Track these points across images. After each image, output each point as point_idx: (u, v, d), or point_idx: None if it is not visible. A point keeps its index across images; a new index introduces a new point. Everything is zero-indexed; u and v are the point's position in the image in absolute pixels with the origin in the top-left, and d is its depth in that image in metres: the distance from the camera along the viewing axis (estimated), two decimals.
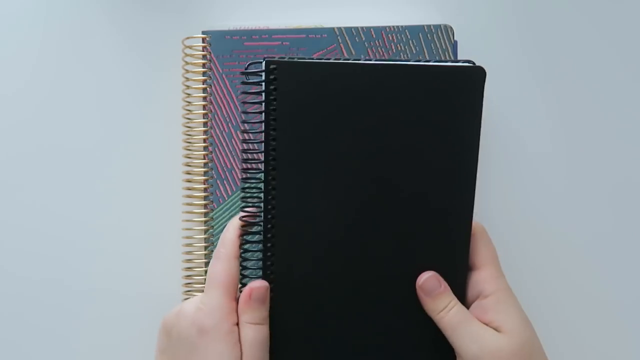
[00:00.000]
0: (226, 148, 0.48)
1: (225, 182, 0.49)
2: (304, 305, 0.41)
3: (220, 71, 0.48)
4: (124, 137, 0.52)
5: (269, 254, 0.41)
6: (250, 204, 0.41)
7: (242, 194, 0.42)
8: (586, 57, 0.52)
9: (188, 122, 0.49)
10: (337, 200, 0.41)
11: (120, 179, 0.53)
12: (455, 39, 0.49)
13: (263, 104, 0.40)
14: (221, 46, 0.48)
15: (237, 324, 0.39)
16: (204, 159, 0.49)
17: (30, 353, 0.53)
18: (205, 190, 0.49)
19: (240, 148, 0.42)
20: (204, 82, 0.49)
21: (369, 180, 0.41)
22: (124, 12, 0.52)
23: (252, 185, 0.41)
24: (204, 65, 0.49)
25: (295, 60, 0.40)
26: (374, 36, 0.48)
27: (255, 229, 0.41)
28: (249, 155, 0.41)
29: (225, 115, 0.48)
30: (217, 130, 0.48)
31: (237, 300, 0.40)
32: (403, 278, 0.41)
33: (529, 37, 0.52)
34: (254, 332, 0.39)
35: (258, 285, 0.40)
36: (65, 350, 0.52)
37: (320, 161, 0.40)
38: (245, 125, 0.43)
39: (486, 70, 0.40)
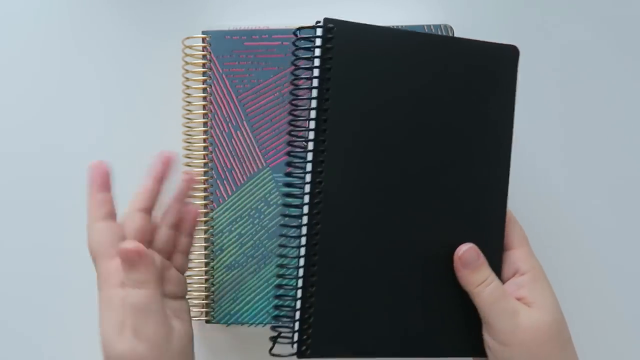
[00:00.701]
0: (226, 148, 0.48)
1: (225, 182, 0.48)
2: (348, 273, 0.40)
3: (220, 71, 0.48)
4: (124, 136, 0.52)
5: (314, 222, 0.39)
6: (293, 175, 0.40)
7: (287, 166, 0.40)
8: (586, 55, 0.52)
9: (188, 122, 0.49)
10: (382, 172, 0.40)
11: (121, 178, 0.52)
12: None
13: (317, 66, 0.39)
14: (221, 46, 0.48)
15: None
16: (204, 159, 0.49)
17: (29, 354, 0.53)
18: (205, 190, 0.49)
19: (288, 118, 0.40)
20: (204, 82, 0.49)
21: (413, 152, 0.41)
22: (123, 12, 0.52)
23: (298, 155, 0.40)
24: (204, 65, 0.49)
25: (353, 22, 0.40)
26: None
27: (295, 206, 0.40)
28: (296, 122, 0.40)
29: (225, 115, 0.48)
30: (217, 130, 0.48)
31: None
32: (442, 252, 0.41)
33: (529, 36, 0.52)
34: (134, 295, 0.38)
35: (130, 247, 0.38)
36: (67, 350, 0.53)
37: (370, 129, 0.40)
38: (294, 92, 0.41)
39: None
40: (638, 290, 0.52)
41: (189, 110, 0.49)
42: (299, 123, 0.40)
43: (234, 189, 0.49)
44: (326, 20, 0.39)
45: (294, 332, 0.39)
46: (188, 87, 0.49)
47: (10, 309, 0.53)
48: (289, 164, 0.40)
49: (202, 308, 0.49)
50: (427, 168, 0.41)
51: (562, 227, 0.52)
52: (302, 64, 0.40)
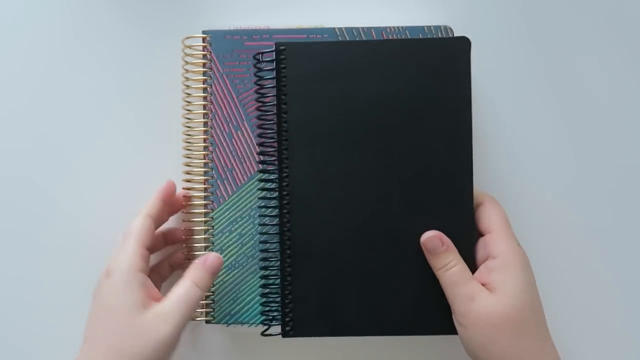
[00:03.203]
0: (226, 148, 0.48)
1: (225, 182, 0.48)
2: (322, 260, 0.45)
3: (221, 71, 0.48)
4: (123, 136, 0.52)
5: (285, 220, 0.46)
6: (267, 178, 0.47)
7: (259, 171, 0.48)
8: (586, 56, 0.52)
9: (188, 122, 0.49)
10: (346, 168, 0.45)
11: (120, 179, 0.52)
12: None
13: (275, 82, 0.46)
14: (221, 46, 0.48)
15: (144, 272, 0.43)
16: (204, 159, 0.49)
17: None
18: (205, 190, 0.49)
19: (257, 124, 0.48)
20: (204, 81, 0.49)
21: (374, 149, 0.45)
22: (123, 12, 0.52)
23: (268, 161, 0.47)
24: (204, 65, 0.49)
25: (301, 42, 0.47)
26: (375, 36, 0.48)
27: (272, 202, 0.47)
28: (264, 131, 0.47)
29: (226, 115, 0.48)
30: (217, 130, 0.48)
31: (147, 249, 0.44)
32: (413, 237, 0.45)
33: (528, 37, 0.52)
34: (189, 289, 0.43)
35: (215, 258, 0.45)
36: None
37: (329, 132, 0.45)
38: (261, 105, 0.48)
39: (471, 41, 0.45)
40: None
41: (189, 110, 0.49)
42: (267, 130, 0.47)
43: (235, 189, 0.48)
44: (277, 44, 0.46)
45: (275, 315, 0.47)
46: (188, 86, 0.49)
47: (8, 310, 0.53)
48: (262, 163, 0.47)
49: (202, 308, 0.48)
50: (388, 162, 0.45)
51: (560, 226, 0.52)
52: (267, 83, 0.47)
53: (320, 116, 0.45)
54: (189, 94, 0.49)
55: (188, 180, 0.49)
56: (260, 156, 0.48)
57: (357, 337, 0.48)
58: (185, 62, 0.49)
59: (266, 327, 0.47)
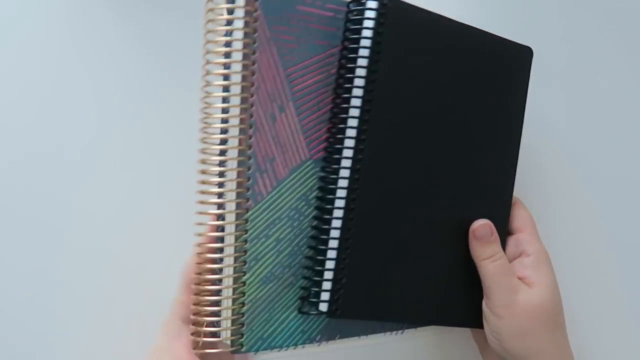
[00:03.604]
0: (268, 132, 0.39)
1: (265, 175, 0.39)
2: (380, 240, 0.41)
3: (268, 35, 0.38)
4: (142, 123, 0.48)
5: (354, 186, 0.40)
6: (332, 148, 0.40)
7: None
8: (594, 54, 0.56)
9: (225, 96, 0.37)
10: (418, 149, 0.42)
11: (137, 175, 0.47)
12: None
13: (368, 44, 0.39)
14: (272, 4, 0.38)
15: None
16: (241, 145, 0.38)
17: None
18: (239, 185, 0.38)
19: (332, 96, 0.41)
20: (245, 45, 0.38)
21: (444, 135, 0.43)
22: None
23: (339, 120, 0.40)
24: (246, 24, 0.38)
25: (406, 2, 0.41)
26: None
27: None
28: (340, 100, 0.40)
29: (270, 92, 0.39)
30: (260, 110, 0.38)
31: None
32: (458, 227, 0.44)
33: (539, 35, 0.53)
34: None
35: None
36: None
37: (410, 113, 0.42)
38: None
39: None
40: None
41: (224, 82, 0.37)
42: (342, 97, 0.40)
43: (274, 184, 0.39)
44: None
45: (323, 291, 0.40)
46: (225, 48, 0.37)
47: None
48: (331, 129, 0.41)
49: (229, 336, 0.38)
50: (454, 149, 0.44)
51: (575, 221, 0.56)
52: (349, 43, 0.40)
53: (406, 93, 0.41)
54: (224, 57, 0.37)
55: (219, 174, 0.38)
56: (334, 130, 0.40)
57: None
58: (213, 16, 0.37)
59: (305, 304, 0.41)
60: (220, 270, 0.38)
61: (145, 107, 0.49)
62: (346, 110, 0.40)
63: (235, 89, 0.37)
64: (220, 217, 0.38)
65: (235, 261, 0.38)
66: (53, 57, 0.48)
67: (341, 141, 0.40)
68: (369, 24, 0.39)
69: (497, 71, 0.46)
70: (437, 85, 0.43)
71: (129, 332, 0.47)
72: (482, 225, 0.44)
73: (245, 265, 0.38)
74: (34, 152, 0.47)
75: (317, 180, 0.40)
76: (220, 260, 0.38)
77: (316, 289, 0.40)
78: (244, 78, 0.38)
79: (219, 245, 0.38)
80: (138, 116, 0.49)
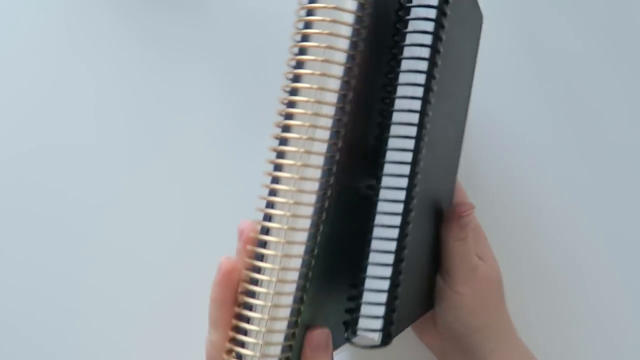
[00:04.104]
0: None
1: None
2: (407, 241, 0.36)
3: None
4: (143, 123, 0.50)
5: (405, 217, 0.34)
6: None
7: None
8: (589, 60, 0.56)
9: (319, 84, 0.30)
10: (431, 139, 0.38)
11: (137, 175, 0.49)
12: None
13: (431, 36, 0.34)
14: None
15: None
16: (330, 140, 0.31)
17: None
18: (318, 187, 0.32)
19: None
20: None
21: (438, 114, 0.39)
22: None
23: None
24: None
25: None
26: None
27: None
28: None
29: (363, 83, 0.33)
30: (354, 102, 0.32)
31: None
32: (429, 206, 0.41)
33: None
34: None
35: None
36: None
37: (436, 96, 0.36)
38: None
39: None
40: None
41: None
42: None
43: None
44: None
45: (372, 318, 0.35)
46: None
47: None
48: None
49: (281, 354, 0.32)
50: (440, 125, 0.40)
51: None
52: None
53: (434, 79, 0.35)
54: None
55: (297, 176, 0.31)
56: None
57: None
58: None
59: (353, 337, 0.35)
60: None
61: (145, 106, 0.50)
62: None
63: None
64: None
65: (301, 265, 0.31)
66: (52, 56, 0.49)
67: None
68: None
69: (470, 39, 0.43)
70: (451, 50, 0.38)
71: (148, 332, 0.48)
72: (468, 204, 0.44)
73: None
74: (33, 151, 0.49)
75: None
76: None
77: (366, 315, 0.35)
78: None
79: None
80: (139, 116, 0.50)
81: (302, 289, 0.31)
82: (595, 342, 0.54)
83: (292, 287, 0.31)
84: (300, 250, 0.31)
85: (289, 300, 0.31)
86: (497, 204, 0.55)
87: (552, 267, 0.55)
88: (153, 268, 0.49)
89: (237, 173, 0.49)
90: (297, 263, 0.31)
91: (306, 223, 0.31)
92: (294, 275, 0.31)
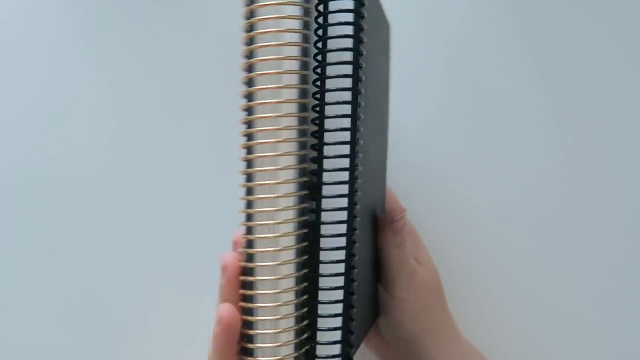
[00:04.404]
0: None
1: None
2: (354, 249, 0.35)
3: None
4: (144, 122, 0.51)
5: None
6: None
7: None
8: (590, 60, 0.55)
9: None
10: (369, 144, 0.37)
11: (138, 177, 0.51)
12: None
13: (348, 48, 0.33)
14: None
15: None
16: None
17: None
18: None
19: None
20: None
21: (374, 116, 0.39)
22: None
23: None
24: None
25: None
26: None
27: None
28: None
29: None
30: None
31: None
32: (368, 213, 0.40)
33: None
34: None
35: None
36: None
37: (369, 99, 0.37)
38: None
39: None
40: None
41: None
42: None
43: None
44: None
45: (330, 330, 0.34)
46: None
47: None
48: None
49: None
50: (375, 129, 0.40)
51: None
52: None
53: (364, 85, 0.35)
54: None
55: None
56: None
57: None
58: None
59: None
60: None
61: (146, 106, 0.51)
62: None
63: None
64: None
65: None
66: (50, 56, 0.51)
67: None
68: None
69: (383, 49, 0.43)
70: (372, 62, 0.37)
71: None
72: (403, 217, 0.43)
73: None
74: (29, 153, 0.50)
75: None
76: None
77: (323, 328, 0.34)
78: None
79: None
80: (138, 116, 0.51)
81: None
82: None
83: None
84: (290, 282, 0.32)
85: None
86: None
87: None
88: (151, 268, 0.50)
89: (237, 173, 0.47)
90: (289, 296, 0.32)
91: (290, 254, 0.32)
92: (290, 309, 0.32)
